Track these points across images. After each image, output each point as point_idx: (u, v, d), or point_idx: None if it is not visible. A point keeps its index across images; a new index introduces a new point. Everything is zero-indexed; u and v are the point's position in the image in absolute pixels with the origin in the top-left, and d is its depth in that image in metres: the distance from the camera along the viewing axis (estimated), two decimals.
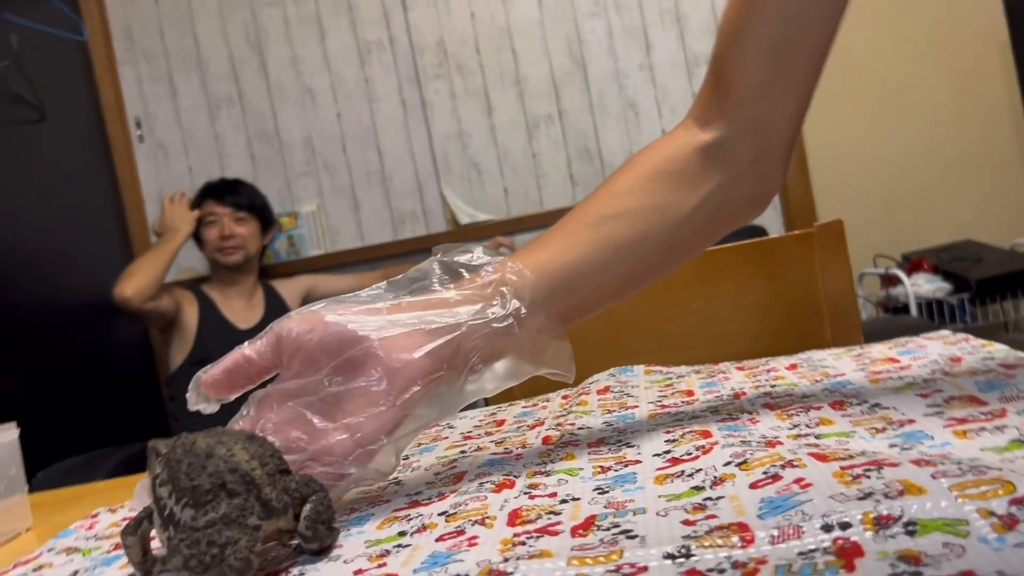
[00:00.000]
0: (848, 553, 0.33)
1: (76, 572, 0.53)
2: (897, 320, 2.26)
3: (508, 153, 2.73)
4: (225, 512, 0.44)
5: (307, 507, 0.47)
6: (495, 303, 0.56)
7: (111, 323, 2.75)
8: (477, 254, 0.59)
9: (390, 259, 2.72)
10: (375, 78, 2.77)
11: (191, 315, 2.45)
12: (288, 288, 2.58)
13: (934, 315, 2.45)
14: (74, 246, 2.59)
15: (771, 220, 2.66)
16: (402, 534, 0.48)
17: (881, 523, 0.35)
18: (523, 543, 0.42)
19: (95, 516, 0.67)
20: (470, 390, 0.56)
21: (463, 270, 0.58)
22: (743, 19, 0.59)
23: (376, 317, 0.54)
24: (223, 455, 0.46)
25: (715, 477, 0.46)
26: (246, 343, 0.55)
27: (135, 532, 0.48)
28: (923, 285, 2.45)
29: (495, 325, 0.55)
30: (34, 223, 2.43)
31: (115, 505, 0.70)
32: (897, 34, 2.93)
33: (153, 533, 0.47)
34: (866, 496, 0.38)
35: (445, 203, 2.76)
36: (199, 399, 0.55)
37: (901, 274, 2.46)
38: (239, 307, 2.49)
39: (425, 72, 2.75)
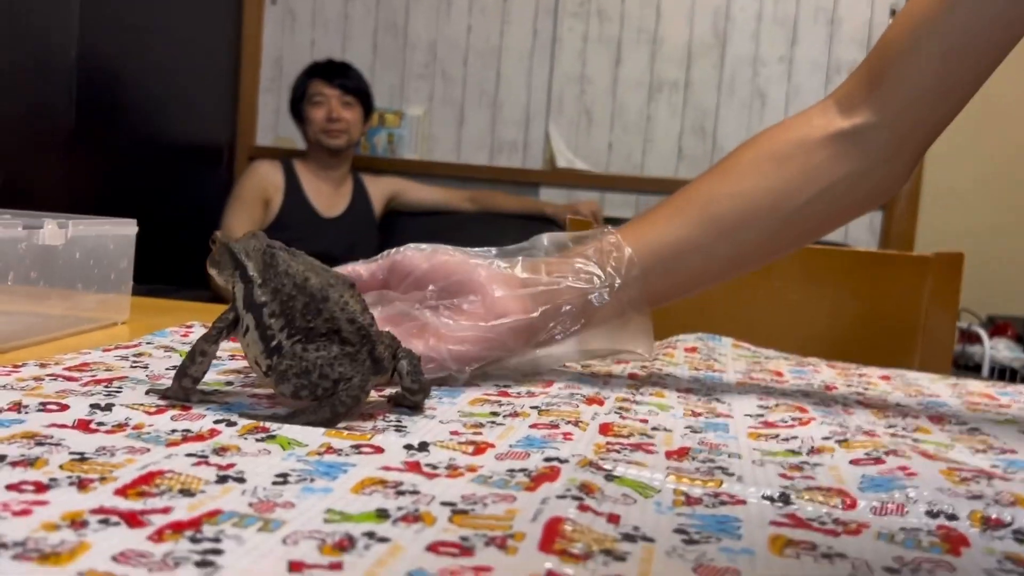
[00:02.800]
0: (953, 540, 0.33)
1: (175, 367, 0.55)
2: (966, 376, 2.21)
3: (623, 109, 2.70)
4: (337, 353, 0.45)
5: (403, 363, 0.48)
6: (594, 271, 0.58)
7: (203, 172, 2.81)
8: (584, 235, 0.62)
9: (480, 182, 2.73)
10: (515, 1, 2.75)
11: (276, 192, 2.47)
12: (376, 186, 2.60)
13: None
14: (185, 90, 2.64)
15: (863, 231, 2.60)
16: (495, 414, 0.49)
17: (990, 524, 0.35)
18: (617, 451, 0.43)
19: (190, 327, 0.70)
20: (542, 354, 0.59)
21: (570, 242, 0.61)
22: (927, 18, 0.58)
23: (483, 257, 0.59)
24: (338, 301, 0.46)
25: (812, 447, 0.46)
26: (361, 260, 0.59)
27: (217, 340, 0.48)
28: (1002, 351, 2.39)
29: (589, 296, 0.58)
30: (156, 60, 2.48)
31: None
32: None
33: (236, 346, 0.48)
34: (975, 497, 0.37)
35: (547, 141, 2.75)
36: None
37: (983, 333, 2.39)
38: (326, 193, 2.52)
39: (565, 8, 2.72)
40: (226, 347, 0.63)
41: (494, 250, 0.61)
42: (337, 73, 2.50)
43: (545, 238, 0.62)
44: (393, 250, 0.60)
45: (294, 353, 0.44)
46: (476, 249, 0.61)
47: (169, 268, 2.39)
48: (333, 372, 0.44)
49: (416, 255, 0.58)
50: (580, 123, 2.73)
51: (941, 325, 0.98)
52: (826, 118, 0.60)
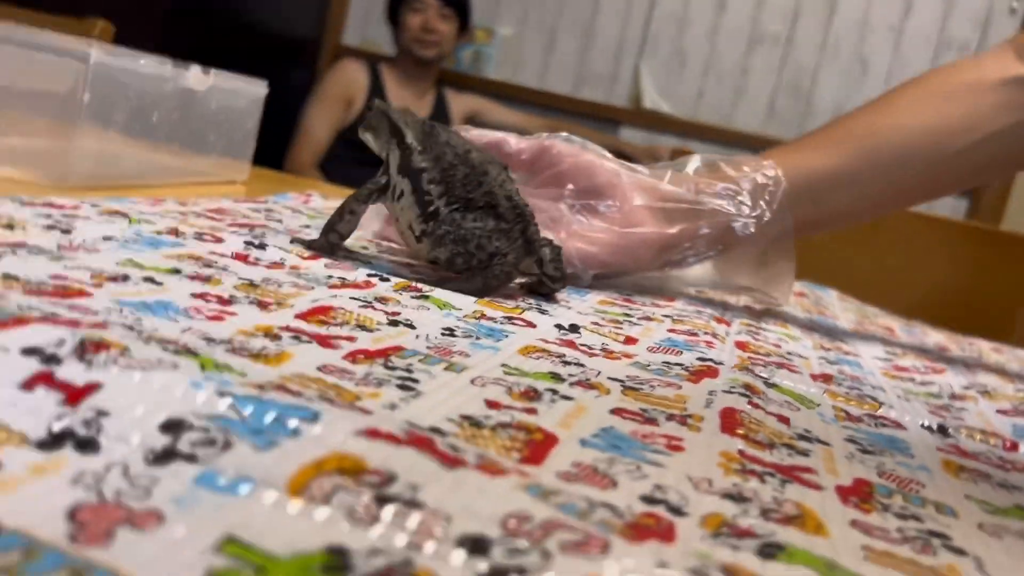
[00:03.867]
0: None
1: (307, 226, 0.56)
2: None
3: (720, 57, 2.63)
4: (493, 227, 0.45)
5: (546, 251, 0.48)
6: (743, 199, 0.57)
7: (288, 66, 2.81)
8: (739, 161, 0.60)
9: (562, 112, 2.69)
10: None
11: (359, 93, 2.46)
12: (458, 102, 2.58)
13: None
14: None
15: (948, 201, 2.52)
16: (628, 315, 0.48)
17: None
18: (762, 365, 0.42)
19: (309, 195, 0.70)
20: (671, 274, 0.58)
21: (723, 164, 0.59)
22: None
23: (626, 165, 0.58)
24: (497, 178, 0.46)
25: (952, 393, 0.45)
26: (513, 136, 0.58)
27: (368, 201, 0.47)
28: None
29: (733, 223, 0.56)
30: None
31: (326, 195, 0.73)
32: None
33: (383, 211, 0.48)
34: None
35: (636, 79, 2.69)
36: None
37: None
38: (409, 101, 2.50)
39: None
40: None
41: (643, 167, 0.60)
42: None
43: (698, 158, 0.60)
44: (545, 135, 0.58)
45: (453, 219, 0.44)
46: (624, 163, 0.60)
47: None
48: (490, 245, 0.44)
49: (565, 148, 0.57)
50: (672, 65, 2.67)
51: None
52: (1001, 63, 0.58)
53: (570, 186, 0.56)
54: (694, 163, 0.60)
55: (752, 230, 0.56)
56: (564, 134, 0.58)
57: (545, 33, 2.77)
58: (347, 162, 2.39)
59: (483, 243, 0.44)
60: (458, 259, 0.44)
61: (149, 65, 0.57)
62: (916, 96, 0.58)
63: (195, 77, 0.60)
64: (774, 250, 0.57)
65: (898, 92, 0.59)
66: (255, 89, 0.70)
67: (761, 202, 0.56)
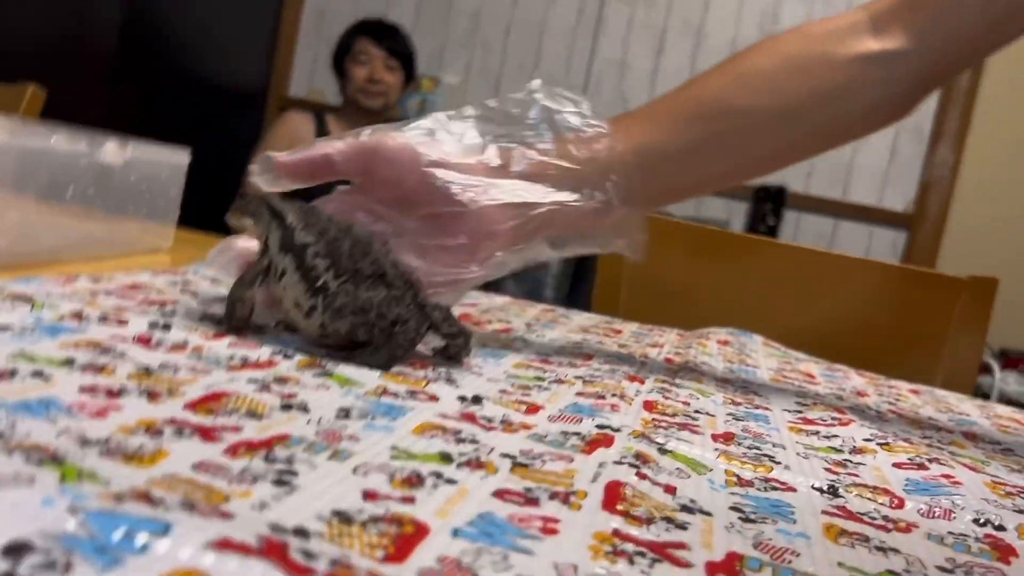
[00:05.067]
0: (1002, 549, 0.33)
1: (222, 297, 0.56)
2: None
3: None
4: (386, 295, 0.45)
5: (436, 313, 0.48)
6: (593, 190, 0.55)
7: (234, 117, 2.81)
8: (584, 109, 0.57)
9: None
10: None
11: (305, 143, 2.47)
12: None
13: None
14: (225, 32, 2.63)
15: (889, 242, 2.59)
16: (539, 379, 0.49)
17: None
18: (664, 428, 0.43)
19: None
20: (531, 254, 0.57)
21: (566, 128, 0.56)
22: None
23: (476, 179, 0.53)
24: (381, 248, 0.47)
25: (854, 447, 0.46)
26: (334, 143, 0.54)
27: (252, 286, 0.47)
28: (1011, 385, 2.39)
29: (586, 212, 0.55)
30: None
31: None
32: None
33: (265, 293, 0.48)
34: (1022, 511, 0.38)
35: None
36: (268, 177, 0.53)
37: (995, 365, 2.39)
38: None
39: None
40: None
41: (475, 114, 0.56)
42: (386, 35, 2.48)
43: (536, 111, 0.56)
44: (368, 133, 0.54)
45: (347, 291, 0.45)
46: (457, 121, 0.55)
47: (193, 207, 2.38)
48: (390, 312, 0.44)
49: (399, 157, 0.52)
50: (616, 109, 2.71)
51: (967, 349, 0.98)
52: (856, 36, 0.57)
53: (419, 212, 0.53)
54: (532, 114, 0.56)
55: (606, 219, 0.56)
56: (389, 130, 0.54)
57: (490, 80, 2.81)
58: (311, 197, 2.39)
59: (383, 311, 0.44)
60: (359, 330, 0.44)
61: (61, 141, 0.57)
62: (768, 71, 0.58)
63: (111, 152, 0.60)
64: (623, 222, 0.57)
65: (749, 62, 0.58)
66: (177, 158, 0.71)
67: (610, 190, 0.55)
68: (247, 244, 0.51)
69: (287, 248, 0.47)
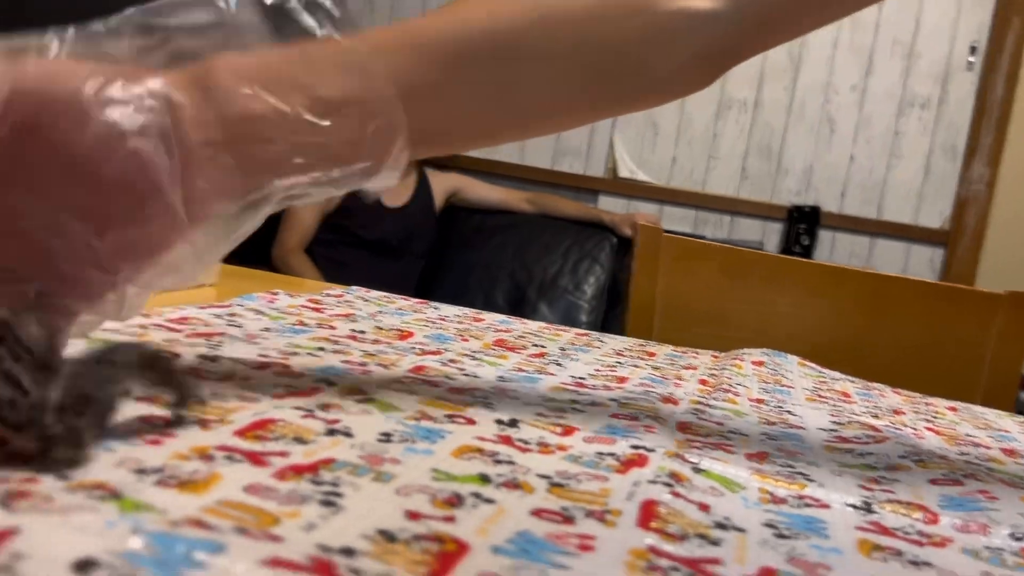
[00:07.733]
0: None
1: (268, 328, 0.58)
2: None
3: (691, 125, 2.69)
4: None
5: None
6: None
7: None
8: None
9: (541, 185, 2.74)
10: None
11: None
12: (438, 181, 2.63)
13: None
14: None
15: (926, 260, 2.56)
16: (574, 401, 0.50)
17: None
18: (698, 448, 0.44)
19: (275, 294, 0.72)
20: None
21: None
22: None
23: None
24: None
25: (889, 464, 0.46)
26: None
27: None
28: None
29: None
30: None
31: (293, 292, 0.75)
32: None
33: None
34: None
35: (611, 150, 2.75)
36: None
37: None
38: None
39: None
40: (314, 316, 0.65)
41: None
42: None
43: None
44: None
45: None
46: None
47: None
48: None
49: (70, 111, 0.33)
50: (646, 134, 2.73)
51: (1007, 365, 0.97)
52: None
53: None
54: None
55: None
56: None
57: None
58: (332, 245, 2.44)
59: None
60: None
61: None
62: (576, 9, 0.47)
63: None
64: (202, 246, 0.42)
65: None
66: None
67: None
68: None
69: None
